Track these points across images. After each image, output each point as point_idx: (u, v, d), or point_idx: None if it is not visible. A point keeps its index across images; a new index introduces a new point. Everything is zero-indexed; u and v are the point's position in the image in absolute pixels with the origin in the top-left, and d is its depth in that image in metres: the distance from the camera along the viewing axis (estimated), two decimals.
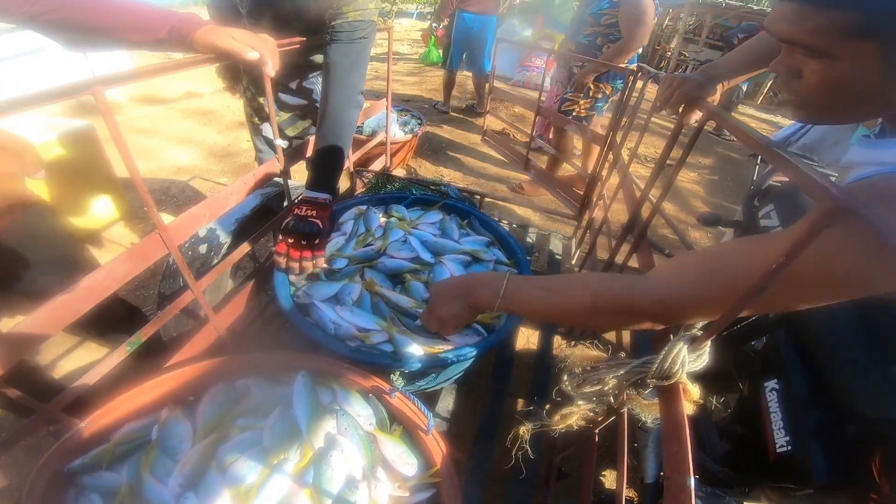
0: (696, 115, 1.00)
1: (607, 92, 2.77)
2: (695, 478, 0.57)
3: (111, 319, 1.30)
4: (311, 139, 1.35)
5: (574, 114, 2.83)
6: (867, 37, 0.50)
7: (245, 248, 1.15)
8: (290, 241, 1.08)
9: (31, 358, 1.23)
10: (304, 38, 1.14)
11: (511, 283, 0.81)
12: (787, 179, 1.70)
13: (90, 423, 0.80)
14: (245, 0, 1.22)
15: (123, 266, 0.83)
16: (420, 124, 3.38)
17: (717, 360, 1.14)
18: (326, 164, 1.18)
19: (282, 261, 1.09)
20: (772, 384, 1.00)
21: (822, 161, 1.72)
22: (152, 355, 1.01)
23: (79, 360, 1.72)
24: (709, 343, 0.63)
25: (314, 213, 1.11)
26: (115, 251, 2.38)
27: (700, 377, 0.66)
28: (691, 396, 0.66)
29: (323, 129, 1.17)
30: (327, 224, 1.14)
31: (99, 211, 2.43)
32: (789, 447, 0.89)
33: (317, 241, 1.10)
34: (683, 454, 0.59)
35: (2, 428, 1.47)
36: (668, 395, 0.68)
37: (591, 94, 2.77)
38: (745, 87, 6.98)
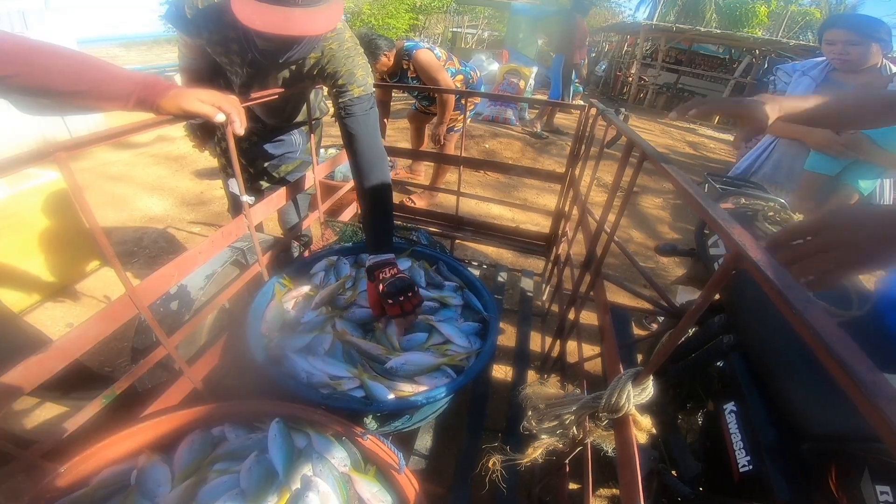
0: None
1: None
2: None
3: (72, 381, 1.28)
4: (281, 192, 1.41)
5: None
6: None
7: (217, 303, 1.17)
8: (401, 298, 1.17)
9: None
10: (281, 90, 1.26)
11: None
12: (732, 206, 1.81)
13: (69, 469, 0.81)
14: (241, 73, 1.29)
15: (95, 327, 0.84)
16: (392, 167, 3.46)
17: (686, 382, 1.17)
18: (382, 227, 1.28)
19: (401, 321, 1.20)
20: (730, 406, 1.04)
21: (783, 188, 1.84)
22: (128, 406, 1.01)
23: (39, 419, 1.68)
24: (650, 378, 0.68)
25: (395, 271, 1.22)
26: (90, 304, 2.35)
27: (672, 399, 0.70)
28: (642, 426, 0.71)
29: (367, 193, 1.26)
30: (406, 274, 1.26)
31: (72, 264, 2.41)
32: (751, 466, 0.92)
33: (416, 289, 1.21)
34: (633, 481, 0.63)
35: None
36: (620, 426, 0.72)
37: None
38: None
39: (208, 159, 4.26)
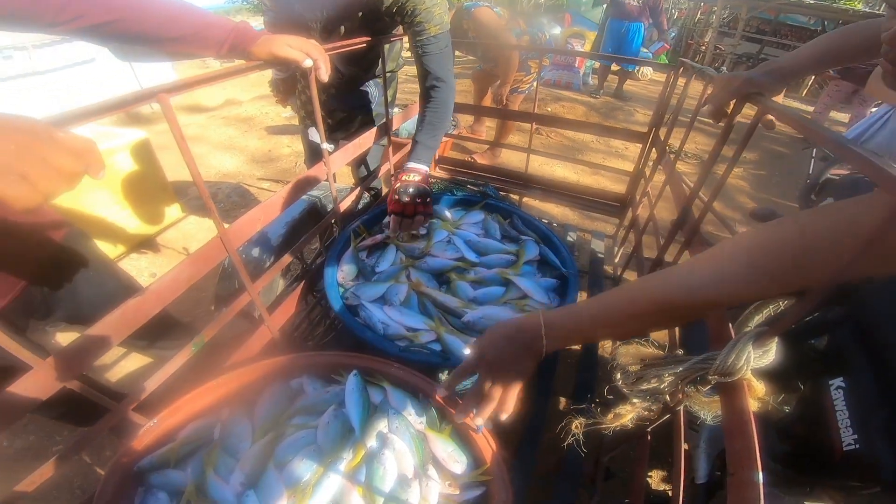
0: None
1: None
2: (763, 473, 0.55)
3: (157, 329, 1.33)
4: (357, 142, 1.41)
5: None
6: None
7: (296, 250, 1.19)
8: (406, 199, 1.24)
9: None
10: (368, 38, 1.27)
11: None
12: (845, 172, 1.62)
13: (158, 423, 0.83)
14: (320, 16, 1.31)
15: (188, 270, 0.86)
16: (454, 126, 3.41)
17: (776, 359, 1.09)
18: (427, 144, 1.34)
19: (397, 218, 1.27)
20: (837, 382, 0.96)
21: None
22: (210, 357, 1.04)
23: (125, 370, 1.83)
24: (775, 340, 0.61)
25: (421, 179, 1.28)
26: (170, 255, 2.51)
27: (760, 376, 0.64)
28: (756, 393, 0.64)
29: (427, 114, 1.34)
30: (430, 187, 1.32)
31: (155, 217, 2.58)
32: (857, 445, 0.85)
33: (427, 200, 1.28)
34: (749, 449, 0.58)
35: (57, 433, 1.59)
36: (731, 391, 0.66)
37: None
38: None
39: (274, 120, 4.46)
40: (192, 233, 2.71)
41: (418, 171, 1.30)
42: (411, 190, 1.25)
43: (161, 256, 2.51)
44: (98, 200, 2.23)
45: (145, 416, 0.83)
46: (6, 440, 1.55)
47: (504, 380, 0.73)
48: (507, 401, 0.75)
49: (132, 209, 2.41)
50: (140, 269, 2.40)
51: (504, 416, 0.76)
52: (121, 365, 1.83)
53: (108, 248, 2.32)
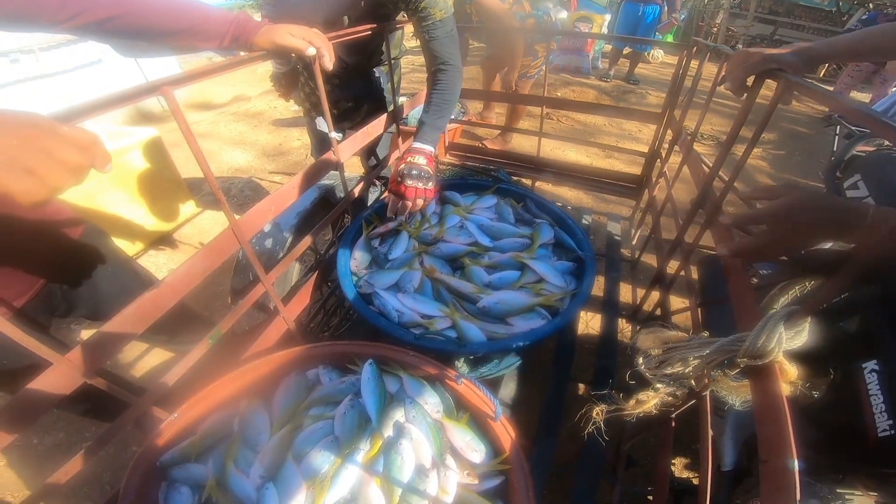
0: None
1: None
2: (798, 461, 0.53)
3: (177, 323, 1.35)
4: (364, 131, 1.40)
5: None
6: None
7: (308, 240, 1.19)
8: (409, 183, 1.24)
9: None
10: (373, 25, 1.27)
11: None
12: (871, 149, 1.56)
13: (179, 416, 0.84)
14: (323, 9, 1.30)
15: (201, 262, 0.86)
16: (464, 112, 3.38)
17: (807, 341, 1.06)
18: (434, 124, 1.34)
19: (397, 198, 1.27)
20: (871, 365, 0.93)
21: None
22: (227, 350, 1.04)
23: (148, 366, 1.86)
24: (808, 320, 0.58)
25: (424, 162, 1.27)
26: (187, 251, 2.54)
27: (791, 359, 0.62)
28: (788, 376, 0.61)
29: (434, 96, 1.35)
30: (435, 170, 1.33)
31: (170, 213, 2.60)
32: (892, 431, 0.81)
33: (430, 184, 1.27)
34: (783, 436, 0.55)
35: (86, 430, 1.62)
36: (761, 375, 0.63)
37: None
38: None
39: (283, 114, 4.47)
40: (207, 228, 2.73)
41: (423, 153, 1.28)
42: (414, 172, 1.24)
43: (178, 252, 2.54)
44: (113, 199, 2.25)
45: (166, 411, 0.84)
46: (36, 437, 1.59)
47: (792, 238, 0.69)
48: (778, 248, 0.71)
49: (147, 207, 2.43)
50: (158, 265, 2.43)
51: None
52: (144, 360, 1.86)
53: (125, 246, 2.36)
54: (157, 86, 0.69)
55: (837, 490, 0.94)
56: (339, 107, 1.68)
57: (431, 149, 1.31)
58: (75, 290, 1.04)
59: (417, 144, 1.30)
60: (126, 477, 0.75)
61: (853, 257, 0.54)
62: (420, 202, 1.28)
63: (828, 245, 0.63)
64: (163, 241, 2.58)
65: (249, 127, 4.25)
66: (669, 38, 5.57)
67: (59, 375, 0.65)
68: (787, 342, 0.58)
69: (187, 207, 2.71)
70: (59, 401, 0.66)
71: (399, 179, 1.25)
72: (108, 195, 2.22)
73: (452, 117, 3.25)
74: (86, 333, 1.77)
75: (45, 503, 0.70)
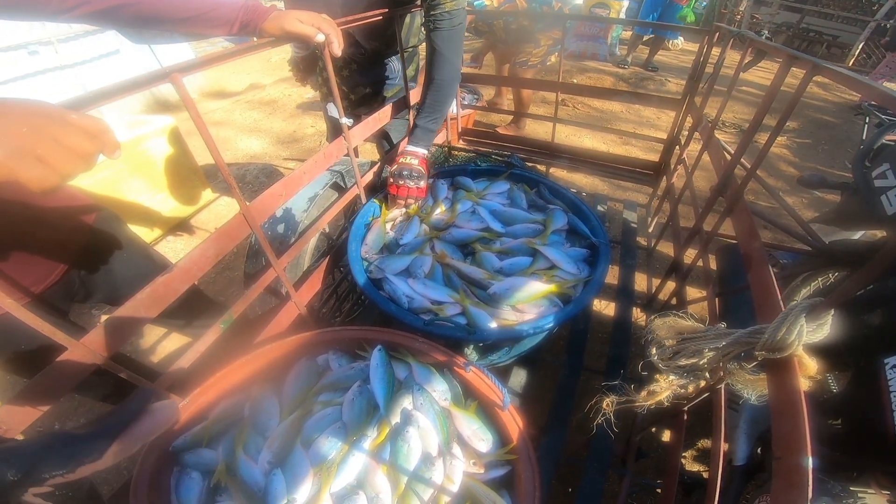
0: None
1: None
2: (813, 458, 0.51)
3: (194, 308, 1.35)
4: (377, 115, 1.39)
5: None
6: None
7: (319, 225, 1.18)
8: (401, 183, 1.28)
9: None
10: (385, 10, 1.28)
11: None
12: None
13: (191, 402, 0.84)
14: None
15: (214, 246, 0.86)
16: (477, 99, 3.34)
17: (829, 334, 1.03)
18: (427, 127, 1.35)
19: (393, 199, 1.31)
20: (893, 360, 0.90)
21: None
22: (240, 334, 1.05)
23: (166, 350, 1.90)
24: (831, 312, 0.55)
25: (416, 163, 1.30)
26: (204, 236, 2.57)
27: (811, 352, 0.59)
28: (807, 371, 0.59)
29: (428, 97, 1.33)
30: (427, 170, 1.35)
31: (187, 200, 2.63)
32: None
33: (421, 183, 1.30)
34: (799, 432, 0.53)
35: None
36: (780, 368, 0.61)
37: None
38: None
39: (297, 101, 4.47)
40: (223, 214, 2.76)
41: (416, 155, 1.31)
42: (405, 172, 1.28)
43: (196, 238, 2.58)
44: (132, 187, 2.29)
45: (179, 395, 0.85)
46: (57, 423, 1.63)
47: None
48: None
49: (165, 193, 2.47)
50: (177, 250, 2.47)
51: None
52: (162, 345, 1.90)
53: (144, 233, 2.39)
54: (168, 72, 0.69)
55: (851, 488, 0.91)
56: (357, 92, 1.68)
57: (424, 151, 1.34)
58: (93, 276, 1.05)
59: (410, 147, 1.33)
60: (139, 461, 0.76)
61: (885, 248, 0.52)
62: (412, 202, 1.32)
63: (857, 235, 0.61)
64: (180, 227, 2.62)
65: (264, 115, 4.26)
66: (690, 17, 5.36)
67: (74, 359, 0.66)
68: (808, 335, 0.56)
69: (204, 194, 2.74)
70: (77, 384, 0.67)
71: (391, 180, 1.29)
72: (127, 183, 2.25)
73: (465, 103, 3.23)
74: (105, 318, 1.82)
75: None
